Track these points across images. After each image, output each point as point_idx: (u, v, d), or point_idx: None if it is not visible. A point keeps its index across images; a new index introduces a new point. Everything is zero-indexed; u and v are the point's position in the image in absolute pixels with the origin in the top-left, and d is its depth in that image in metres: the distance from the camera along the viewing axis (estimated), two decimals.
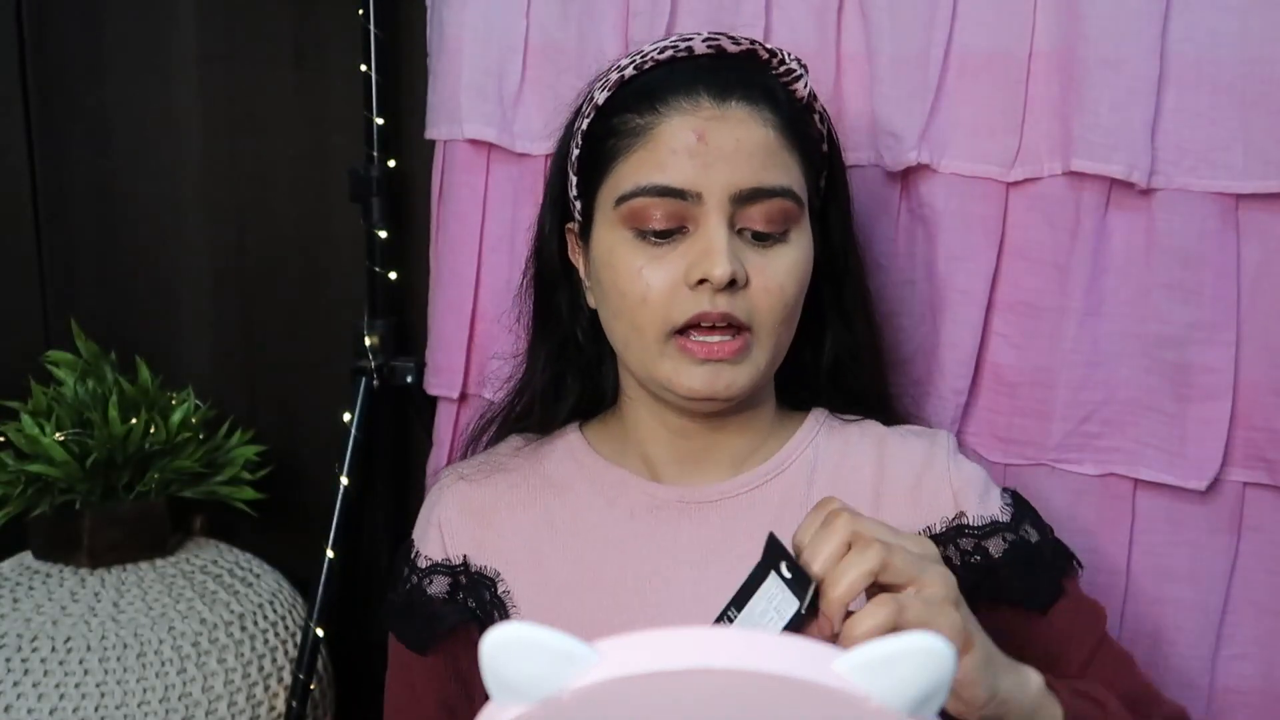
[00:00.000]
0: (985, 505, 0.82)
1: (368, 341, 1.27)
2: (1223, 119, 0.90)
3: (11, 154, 1.43)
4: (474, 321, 1.19)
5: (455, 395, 1.21)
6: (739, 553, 0.80)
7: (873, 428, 0.87)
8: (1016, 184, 0.98)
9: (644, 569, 0.81)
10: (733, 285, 0.75)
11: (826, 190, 0.86)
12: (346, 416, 1.25)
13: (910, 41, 0.98)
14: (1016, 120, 0.97)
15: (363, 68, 1.23)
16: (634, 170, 0.77)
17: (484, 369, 1.20)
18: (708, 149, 0.76)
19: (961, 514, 0.81)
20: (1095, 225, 0.95)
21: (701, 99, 0.77)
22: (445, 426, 1.23)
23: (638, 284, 0.77)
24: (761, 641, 0.34)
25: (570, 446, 0.89)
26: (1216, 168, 0.91)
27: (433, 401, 1.25)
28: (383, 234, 1.26)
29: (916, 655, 0.33)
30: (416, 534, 0.89)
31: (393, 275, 1.28)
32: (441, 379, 1.21)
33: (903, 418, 0.93)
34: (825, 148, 0.85)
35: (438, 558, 0.86)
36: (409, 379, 1.28)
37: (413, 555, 0.88)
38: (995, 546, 0.80)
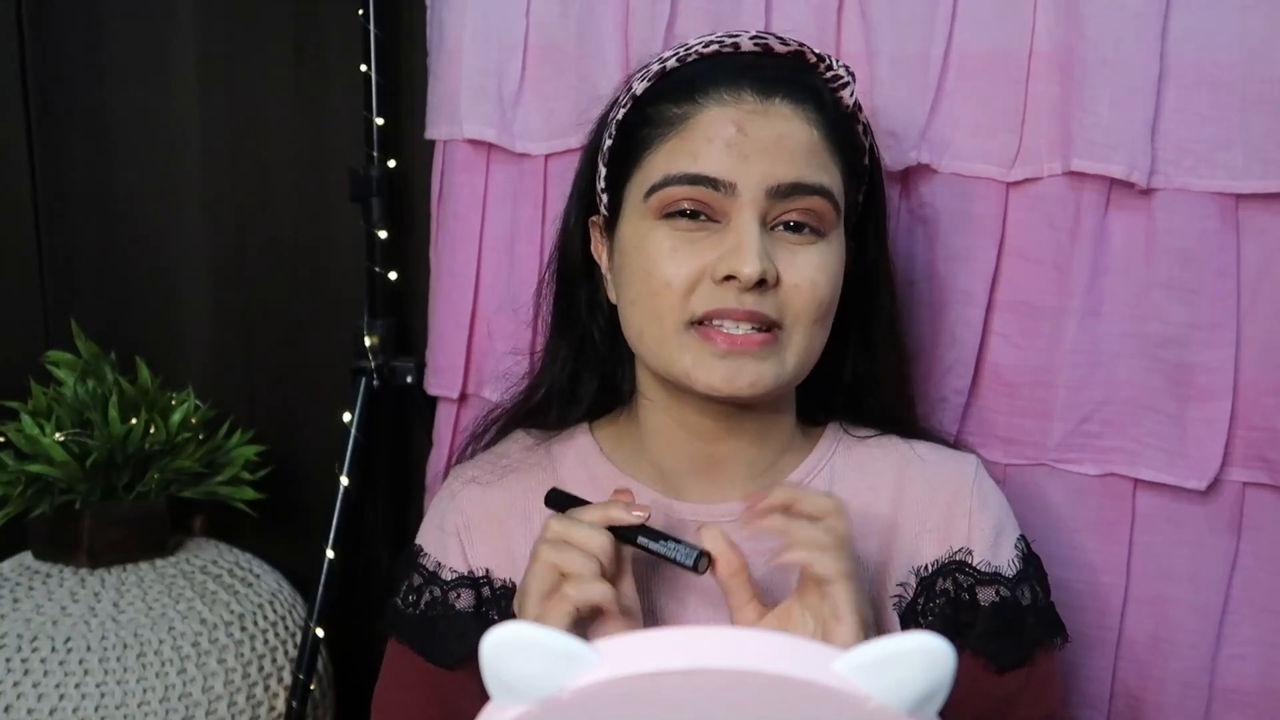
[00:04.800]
0: (995, 553, 0.80)
1: (368, 341, 1.27)
2: (1223, 119, 0.90)
3: (11, 154, 1.43)
4: (474, 321, 1.19)
5: (455, 395, 1.21)
6: (756, 574, 0.78)
7: (892, 446, 0.85)
8: (1016, 184, 0.98)
9: (655, 587, 0.80)
10: (762, 284, 0.72)
11: (865, 205, 0.84)
12: (346, 416, 1.25)
13: (910, 41, 0.98)
14: (1016, 120, 0.97)
15: (363, 68, 1.23)
16: (666, 159, 0.75)
17: (484, 369, 1.20)
18: (746, 140, 0.73)
19: (969, 551, 0.80)
20: (1095, 225, 0.95)
21: (744, 93, 0.74)
22: (445, 426, 1.23)
23: (664, 268, 0.74)
24: (761, 641, 0.34)
25: (582, 452, 0.86)
26: (1216, 168, 0.91)
27: (433, 401, 1.25)
28: (383, 234, 1.26)
29: (916, 655, 0.33)
30: (429, 541, 0.85)
31: (393, 275, 1.28)
32: (441, 379, 1.21)
33: (924, 432, 0.90)
34: (867, 161, 0.82)
35: (462, 570, 0.83)
36: (409, 379, 1.28)
37: (431, 565, 0.84)
38: (985, 596, 0.79)
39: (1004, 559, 0.81)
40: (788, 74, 0.77)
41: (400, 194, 1.30)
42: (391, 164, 1.27)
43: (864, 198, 0.83)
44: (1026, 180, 0.97)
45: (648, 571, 0.80)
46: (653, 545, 0.71)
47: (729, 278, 0.72)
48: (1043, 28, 0.95)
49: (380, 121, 1.24)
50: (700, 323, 0.74)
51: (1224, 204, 0.92)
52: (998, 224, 0.99)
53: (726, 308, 0.73)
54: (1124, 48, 0.91)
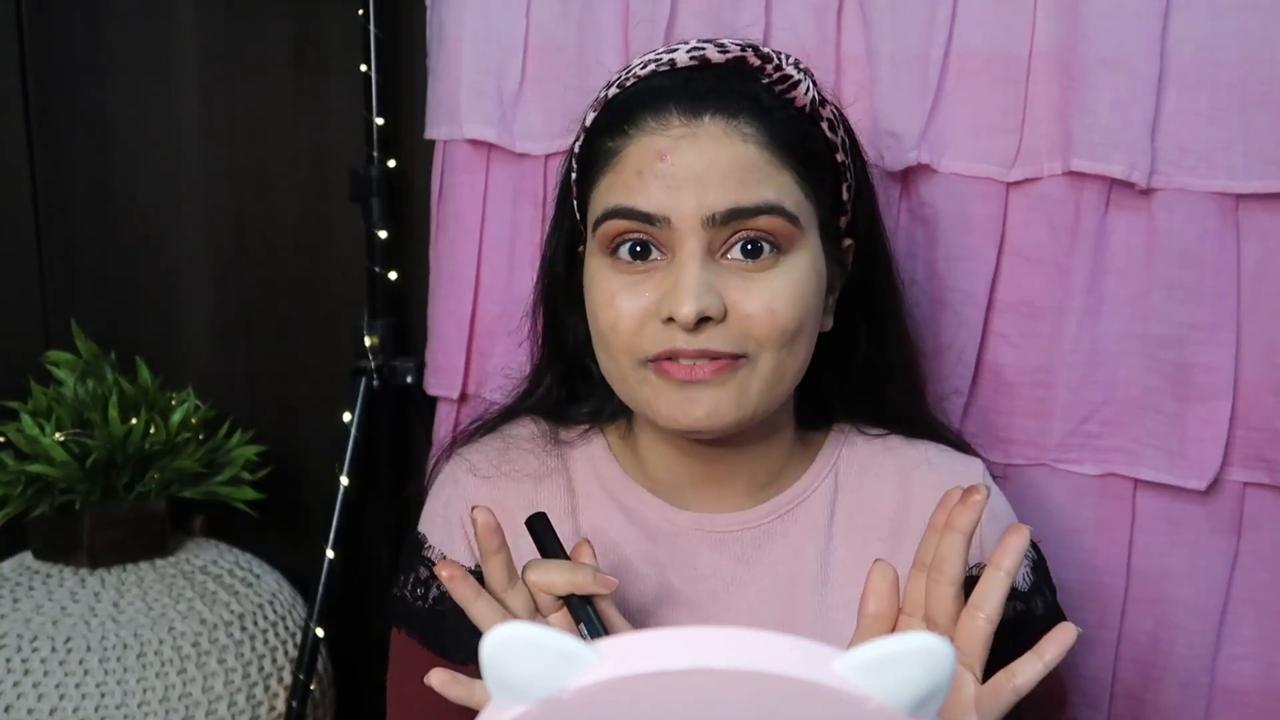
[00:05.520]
0: None
1: (368, 341, 1.27)
2: (1223, 119, 0.90)
3: (11, 154, 1.43)
4: (474, 321, 1.19)
5: (455, 395, 1.21)
6: (763, 584, 0.79)
7: (898, 447, 0.84)
8: (1016, 184, 0.98)
9: (661, 594, 0.79)
10: (706, 321, 0.70)
11: (854, 201, 0.80)
12: (346, 416, 1.25)
13: (910, 41, 0.98)
14: (1016, 120, 0.97)
15: (363, 68, 1.24)
16: (604, 194, 0.73)
17: (484, 369, 1.20)
18: (674, 169, 0.70)
19: (982, 566, 0.77)
20: (1095, 225, 0.95)
21: (670, 116, 0.71)
22: (445, 426, 1.23)
23: (609, 311, 0.73)
24: (761, 641, 0.34)
25: (593, 453, 0.85)
26: (1216, 168, 0.91)
27: (432, 401, 1.25)
28: (383, 234, 1.26)
29: (916, 655, 0.33)
30: (434, 532, 0.84)
31: (393, 275, 1.28)
32: (441, 379, 1.21)
33: (934, 429, 0.88)
34: (842, 156, 0.78)
35: (469, 563, 0.81)
36: (409, 379, 1.28)
37: (436, 558, 0.82)
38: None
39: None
40: (721, 85, 0.73)
41: (400, 194, 1.30)
42: (391, 164, 1.27)
43: (849, 193, 0.80)
44: (1026, 180, 0.97)
45: (650, 582, 0.80)
46: (580, 618, 0.69)
47: (672, 319, 0.70)
48: (1043, 28, 0.95)
49: (380, 121, 1.24)
50: (656, 359, 0.73)
51: (1224, 204, 0.92)
52: (998, 224, 0.99)
53: (675, 348, 0.71)
54: (1124, 48, 0.91)
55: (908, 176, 1.02)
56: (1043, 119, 0.96)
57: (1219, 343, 0.93)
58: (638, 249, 0.73)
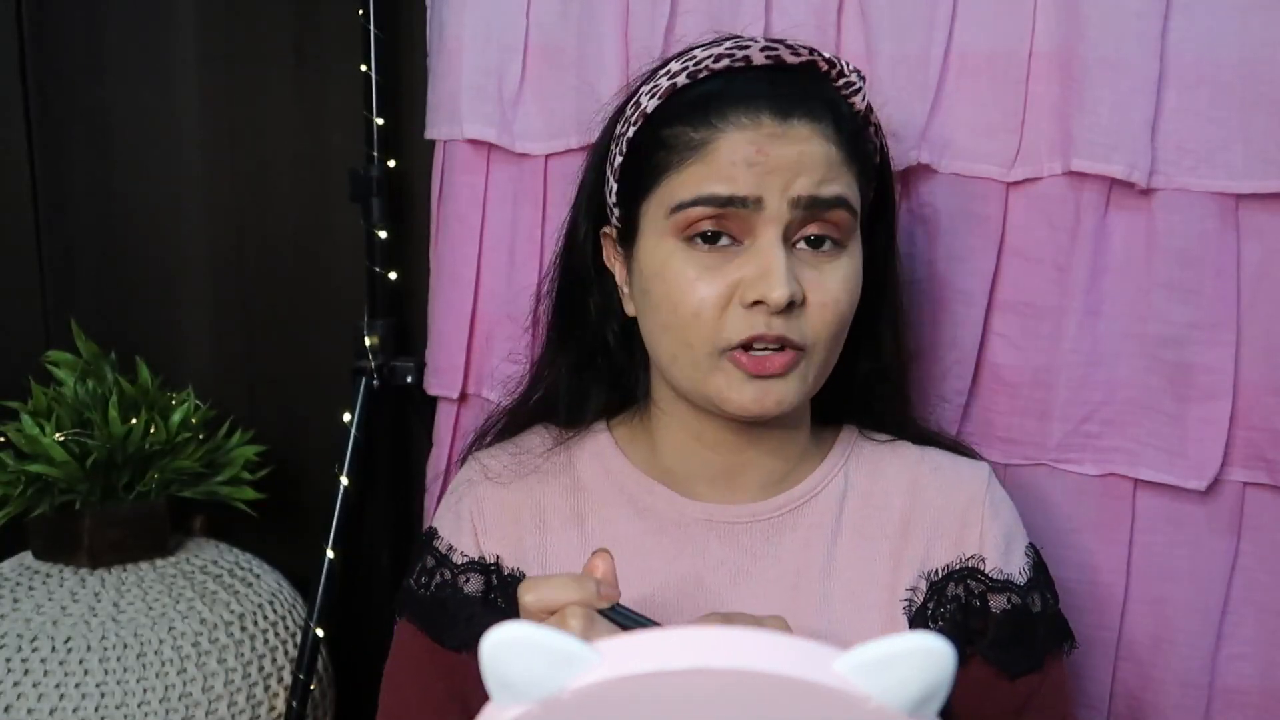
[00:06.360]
0: (1007, 560, 0.81)
1: (368, 341, 1.27)
2: (1223, 119, 0.90)
3: (11, 154, 1.43)
4: (474, 321, 1.19)
5: (455, 395, 1.21)
6: (768, 576, 0.80)
7: (905, 450, 0.86)
8: (1016, 184, 0.98)
9: (669, 586, 0.80)
10: (790, 306, 0.73)
11: (876, 201, 0.84)
12: (346, 416, 1.25)
13: (910, 41, 0.98)
14: (1016, 120, 0.97)
15: (363, 68, 1.24)
16: (693, 184, 0.74)
17: (484, 369, 1.20)
18: (768, 160, 0.73)
19: (981, 559, 0.80)
20: (1095, 225, 0.95)
21: (762, 115, 0.73)
22: (445, 426, 1.23)
23: (690, 298, 0.74)
24: (761, 641, 0.34)
25: (599, 448, 0.86)
26: (1216, 167, 0.91)
27: (433, 401, 1.25)
28: (383, 234, 1.26)
29: (916, 655, 0.33)
30: (444, 525, 0.86)
31: (393, 275, 1.28)
32: (441, 379, 1.21)
33: (933, 437, 0.90)
34: (878, 160, 0.82)
35: (473, 555, 0.83)
36: (409, 379, 1.28)
37: (444, 548, 0.85)
38: (996, 603, 0.80)
39: (1015, 567, 0.81)
40: (804, 90, 0.75)
41: (400, 194, 1.30)
42: (391, 164, 1.27)
43: (874, 193, 0.83)
44: (1026, 180, 0.97)
45: (658, 574, 0.81)
46: (623, 623, 0.65)
47: (757, 302, 0.72)
48: (1043, 28, 0.95)
49: (380, 121, 1.24)
50: (734, 347, 0.74)
51: (1224, 204, 0.92)
52: (998, 224, 0.99)
53: (758, 333, 0.73)
54: (1124, 48, 0.91)
55: (908, 176, 1.02)
56: (1043, 119, 0.96)
57: (1219, 343, 0.93)
58: (710, 233, 0.75)
